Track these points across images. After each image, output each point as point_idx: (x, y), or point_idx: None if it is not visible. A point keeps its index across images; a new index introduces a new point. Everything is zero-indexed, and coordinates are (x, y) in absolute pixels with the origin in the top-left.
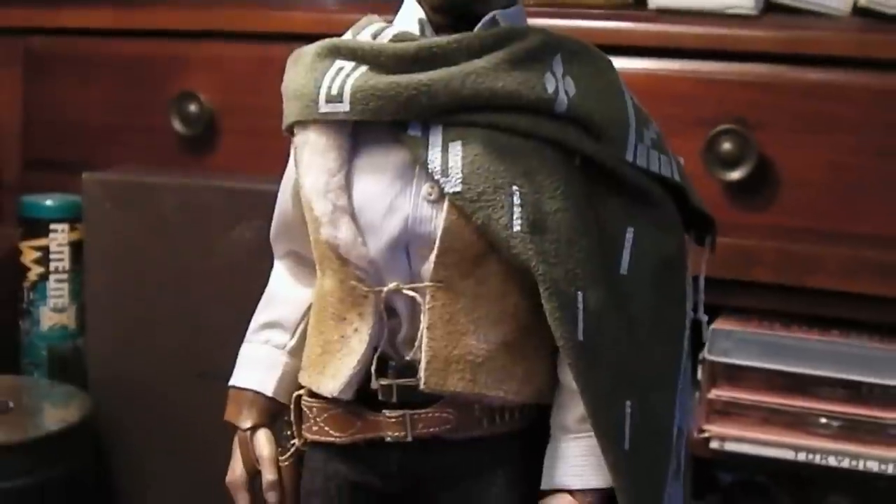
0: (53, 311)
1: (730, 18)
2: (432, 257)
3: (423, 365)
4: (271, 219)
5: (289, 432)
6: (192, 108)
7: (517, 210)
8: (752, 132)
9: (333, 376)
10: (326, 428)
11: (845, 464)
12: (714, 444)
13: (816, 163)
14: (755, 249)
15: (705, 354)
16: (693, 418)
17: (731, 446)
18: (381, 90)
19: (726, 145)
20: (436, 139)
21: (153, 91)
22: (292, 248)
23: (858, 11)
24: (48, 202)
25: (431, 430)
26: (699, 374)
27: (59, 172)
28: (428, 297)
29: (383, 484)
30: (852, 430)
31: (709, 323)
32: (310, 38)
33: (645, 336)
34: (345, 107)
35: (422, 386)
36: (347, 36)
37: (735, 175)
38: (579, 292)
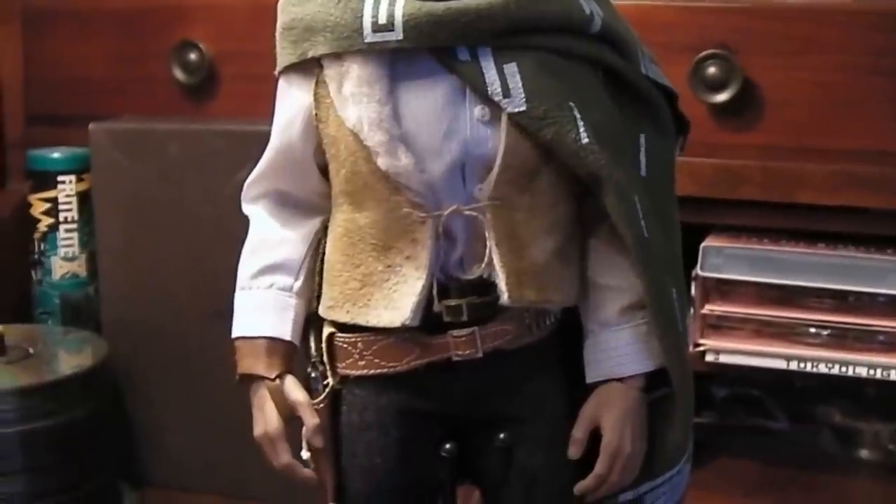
0: (64, 260)
1: None
2: (492, 176)
3: (502, 280)
4: None
5: (314, 374)
6: (193, 56)
7: (581, 124)
8: (735, 56)
9: (388, 307)
10: (377, 360)
11: (835, 371)
12: (709, 358)
13: (799, 83)
14: (743, 169)
15: (698, 271)
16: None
17: (725, 358)
18: (437, 16)
19: (711, 69)
20: (488, 63)
21: (153, 41)
22: (280, 187)
23: None
24: (55, 155)
25: (496, 343)
26: (693, 291)
27: (61, 126)
28: (489, 216)
29: (441, 405)
30: (841, 338)
31: (700, 241)
32: None
33: (666, 231)
34: (397, 34)
35: (504, 300)
36: None
37: (721, 98)
38: (635, 194)
